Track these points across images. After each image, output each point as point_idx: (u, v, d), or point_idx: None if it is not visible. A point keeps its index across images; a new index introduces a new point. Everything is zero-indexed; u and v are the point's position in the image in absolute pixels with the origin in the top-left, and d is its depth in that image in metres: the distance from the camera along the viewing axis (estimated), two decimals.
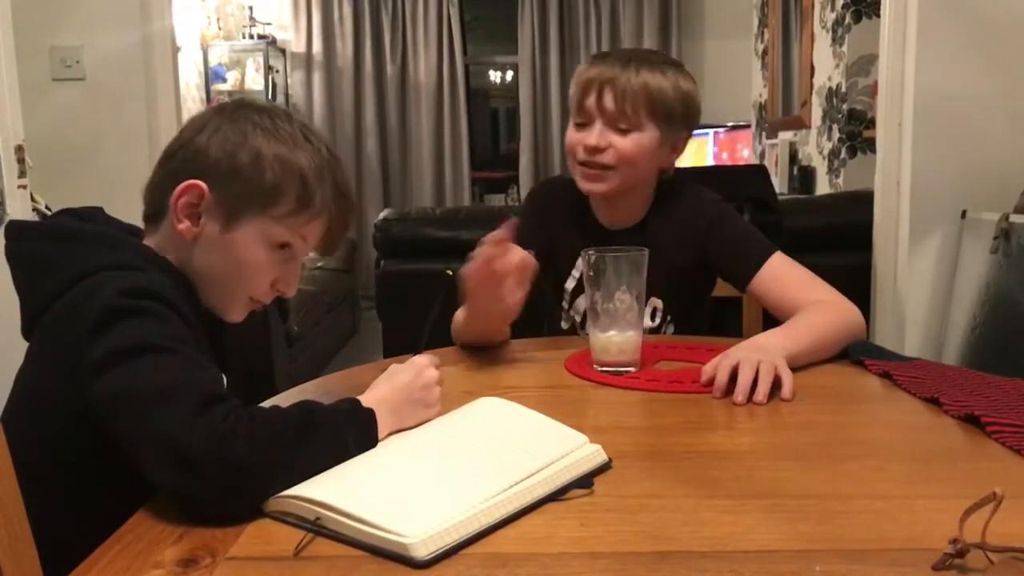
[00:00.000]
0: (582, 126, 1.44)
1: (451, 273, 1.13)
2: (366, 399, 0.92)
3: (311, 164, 1.00)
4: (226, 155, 0.98)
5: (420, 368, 0.99)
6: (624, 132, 1.41)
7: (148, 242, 1.02)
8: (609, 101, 1.39)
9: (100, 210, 1.04)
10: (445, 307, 1.09)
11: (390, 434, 0.92)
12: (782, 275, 1.38)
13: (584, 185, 1.46)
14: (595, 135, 1.41)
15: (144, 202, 1.04)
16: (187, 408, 0.77)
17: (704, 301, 1.64)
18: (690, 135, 1.50)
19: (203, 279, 1.01)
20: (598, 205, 1.53)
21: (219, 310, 1.05)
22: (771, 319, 1.43)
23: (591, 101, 1.41)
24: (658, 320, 1.52)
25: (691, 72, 1.51)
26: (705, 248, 1.47)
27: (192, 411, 0.77)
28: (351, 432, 0.86)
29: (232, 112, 1.02)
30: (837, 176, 4.10)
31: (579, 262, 1.45)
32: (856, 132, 3.96)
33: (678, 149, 1.49)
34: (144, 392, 0.79)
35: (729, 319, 1.65)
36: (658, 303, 1.50)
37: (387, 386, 0.96)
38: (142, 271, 0.92)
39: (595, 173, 1.43)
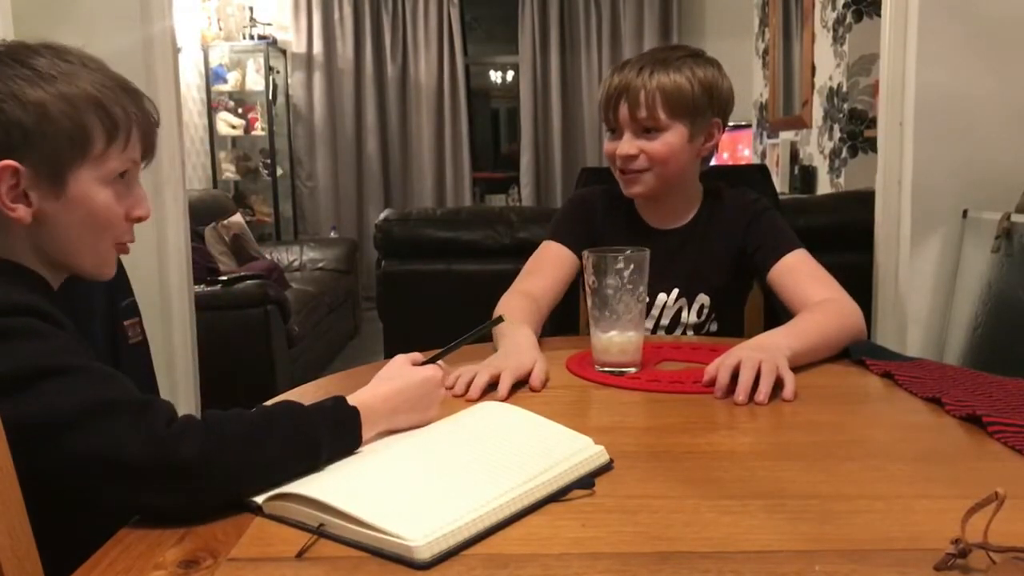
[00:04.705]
0: (614, 134, 1.50)
1: (503, 319, 1.21)
2: (358, 396, 0.92)
3: (92, 84, 0.92)
4: (11, 123, 0.88)
5: (425, 376, 0.99)
6: (652, 135, 1.46)
7: None
8: (630, 110, 1.45)
9: None
10: (479, 340, 1.13)
11: (379, 435, 0.92)
12: (799, 269, 1.43)
13: (626, 190, 1.52)
14: (625, 145, 1.47)
15: None
16: (124, 420, 0.75)
17: (743, 300, 1.66)
18: (725, 119, 1.52)
19: (63, 250, 0.94)
20: (644, 207, 1.58)
21: (93, 273, 0.98)
22: (772, 319, 1.43)
23: (614, 112, 1.47)
24: (703, 317, 1.54)
25: None
26: (744, 240, 1.51)
27: (130, 422, 0.75)
28: (326, 429, 0.84)
29: None
30: (838, 176, 4.10)
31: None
32: (857, 131, 3.96)
33: (713, 136, 1.51)
34: (65, 414, 0.75)
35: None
36: (706, 300, 1.54)
37: (387, 386, 0.96)
38: None
39: (632, 177, 1.49)
